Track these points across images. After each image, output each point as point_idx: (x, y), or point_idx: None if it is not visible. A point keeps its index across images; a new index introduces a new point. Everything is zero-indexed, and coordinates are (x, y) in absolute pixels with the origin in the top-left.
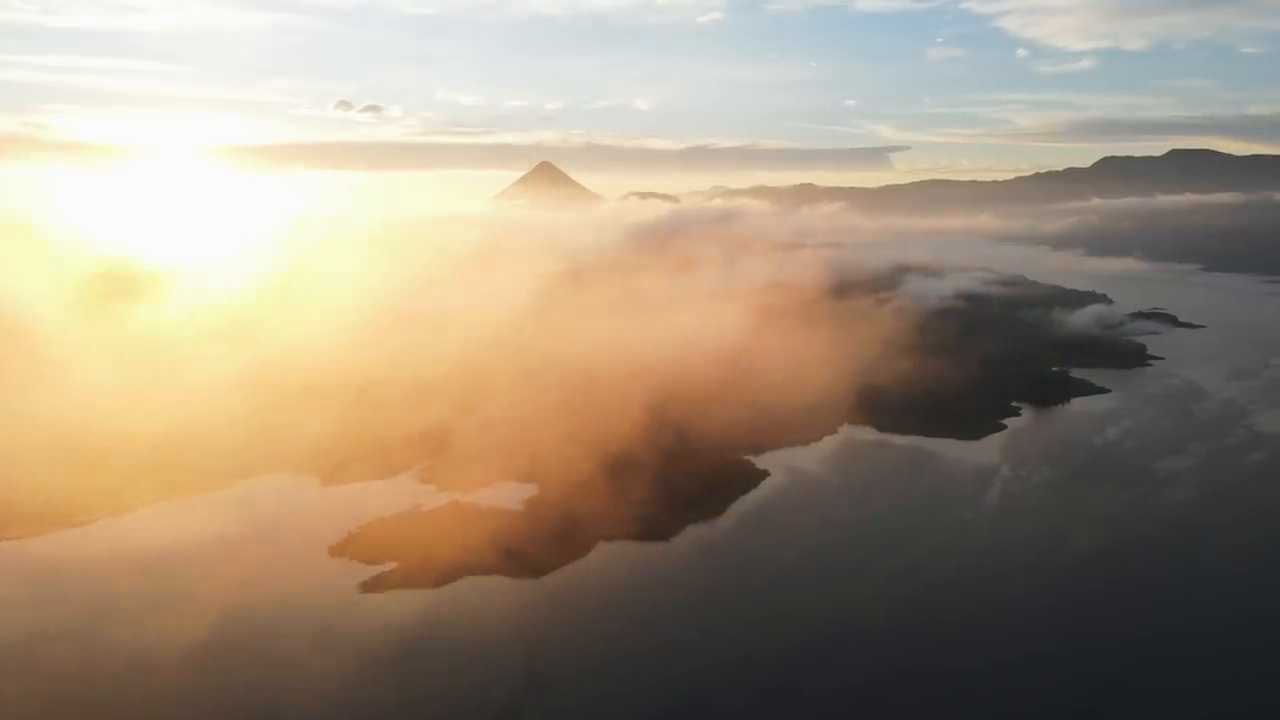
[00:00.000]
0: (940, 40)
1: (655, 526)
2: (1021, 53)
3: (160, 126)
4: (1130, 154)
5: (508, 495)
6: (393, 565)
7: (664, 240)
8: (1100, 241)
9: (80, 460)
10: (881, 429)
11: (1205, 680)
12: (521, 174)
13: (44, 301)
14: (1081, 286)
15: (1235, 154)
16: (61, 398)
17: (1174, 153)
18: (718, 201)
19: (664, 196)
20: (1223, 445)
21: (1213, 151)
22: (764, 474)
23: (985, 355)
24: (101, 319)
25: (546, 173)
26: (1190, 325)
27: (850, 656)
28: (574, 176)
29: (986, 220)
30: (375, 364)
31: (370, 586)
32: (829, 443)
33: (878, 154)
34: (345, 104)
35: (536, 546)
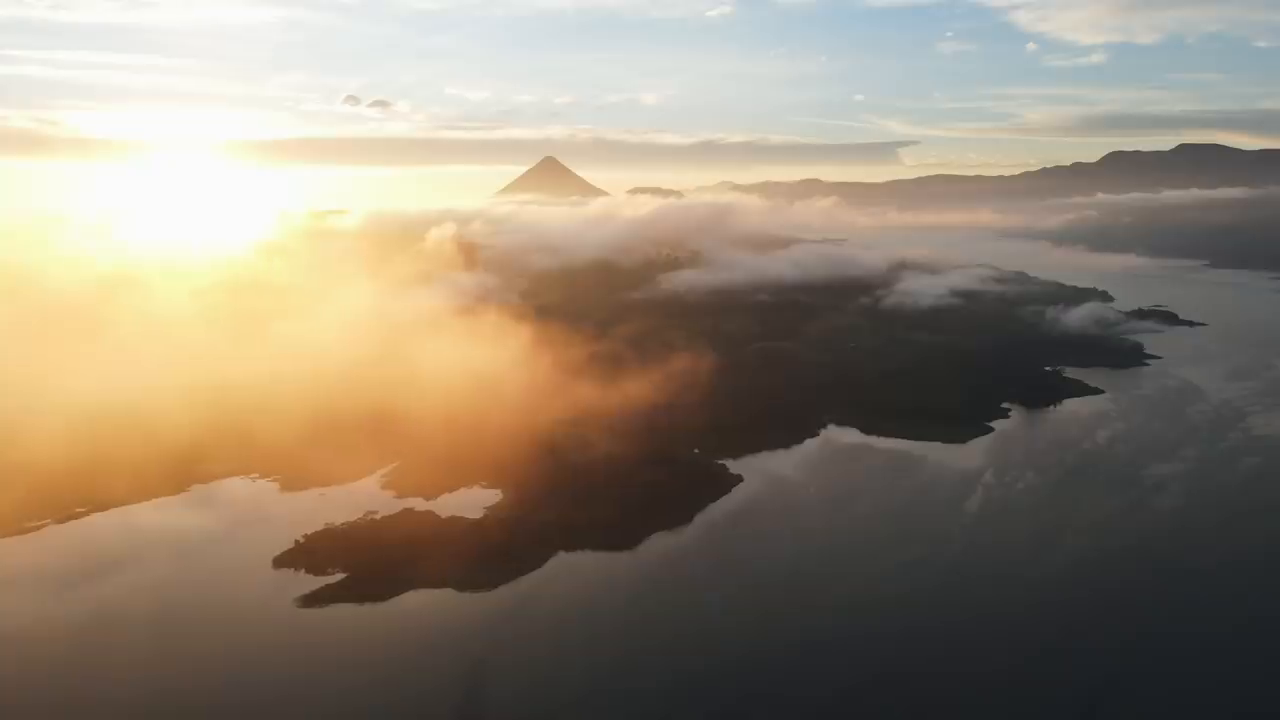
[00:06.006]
0: (950, 34)
1: (618, 535)
2: (1032, 46)
3: (170, 122)
4: (1139, 149)
5: (467, 503)
6: (339, 576)
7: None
8: (1103, 237)
9: (30, 463)
10: (864, 431)
11: (1193, 690)
12: (525, 169)
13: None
14: (1082, 283)
15: (1244, 148)
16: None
17: (1182, 147)
18: (708, 198)
19: (669, 192)
20: (1216, 449)
21: (1221, 146)
22: (737, 479)
23: (976, 354)
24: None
25: (550, 168)
26: (1191, 323)
27: (821, 671)
28: (581, 172)
29: (989, 215)
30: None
31: (312, 600)
32: (809, 446)
33: (886, 149)
34: (354, 99)
35: (492, 557)
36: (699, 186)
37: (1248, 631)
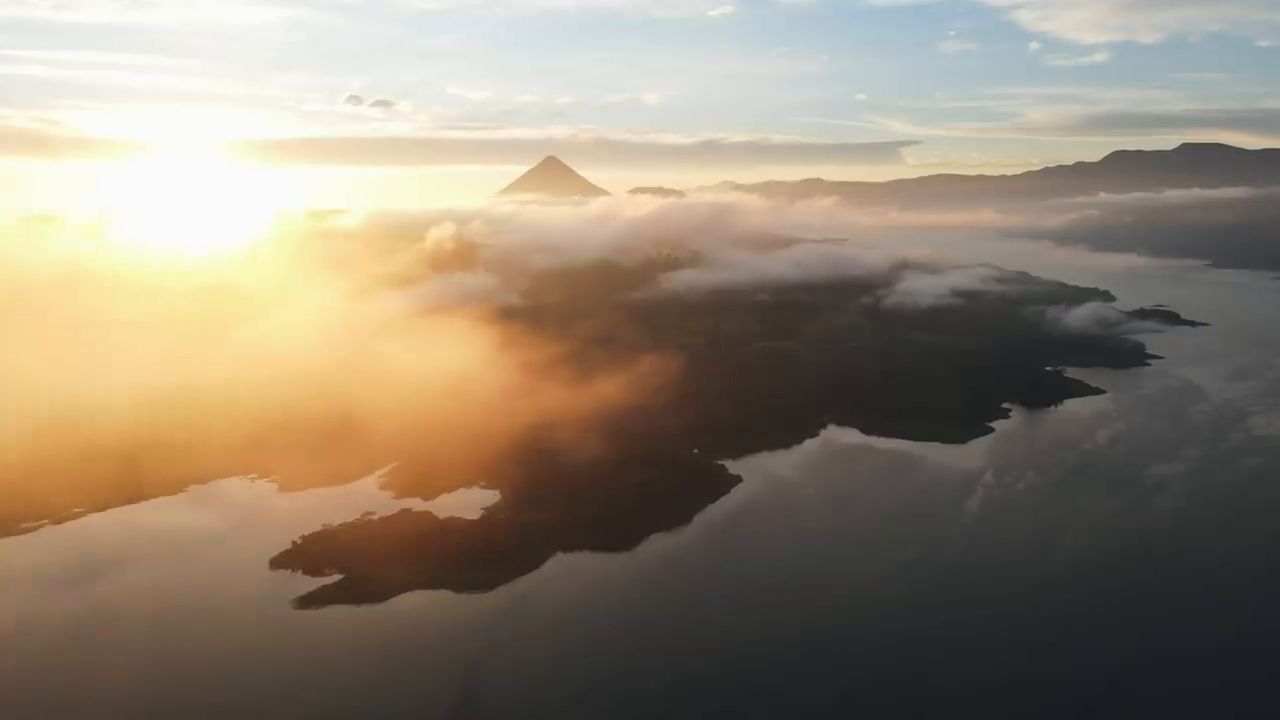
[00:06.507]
0: (953, 33)
1: (616, 536)
2: (1034, 46)
3: (172, 122)
4: (1141, 148)
5: (466, 503)
6: (336, 577)
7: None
8: (1105, 237)
9: (28, 463)
10: (865, 431)
11: (1195, 690)
12: (527, 169)
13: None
14: (1084, 283)
15: (1247, 148)
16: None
17: (1185, 147)
18: (709, 198)
19: (671, 191)
20: (1218, 450)
21: (1224, 146)
22: (736, 480)
23: (976, 354)
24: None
25: (552, 168)
26: (1193, 323)
27: (821, 672)
28: (583, 172)
29: (991, 215)
30: None
31: (309, 601)
32: (809, 446)
33: (888, 148)
34: (356, 99)
35: (489, 558)
36: (701, 186)
37: (1249, 632)
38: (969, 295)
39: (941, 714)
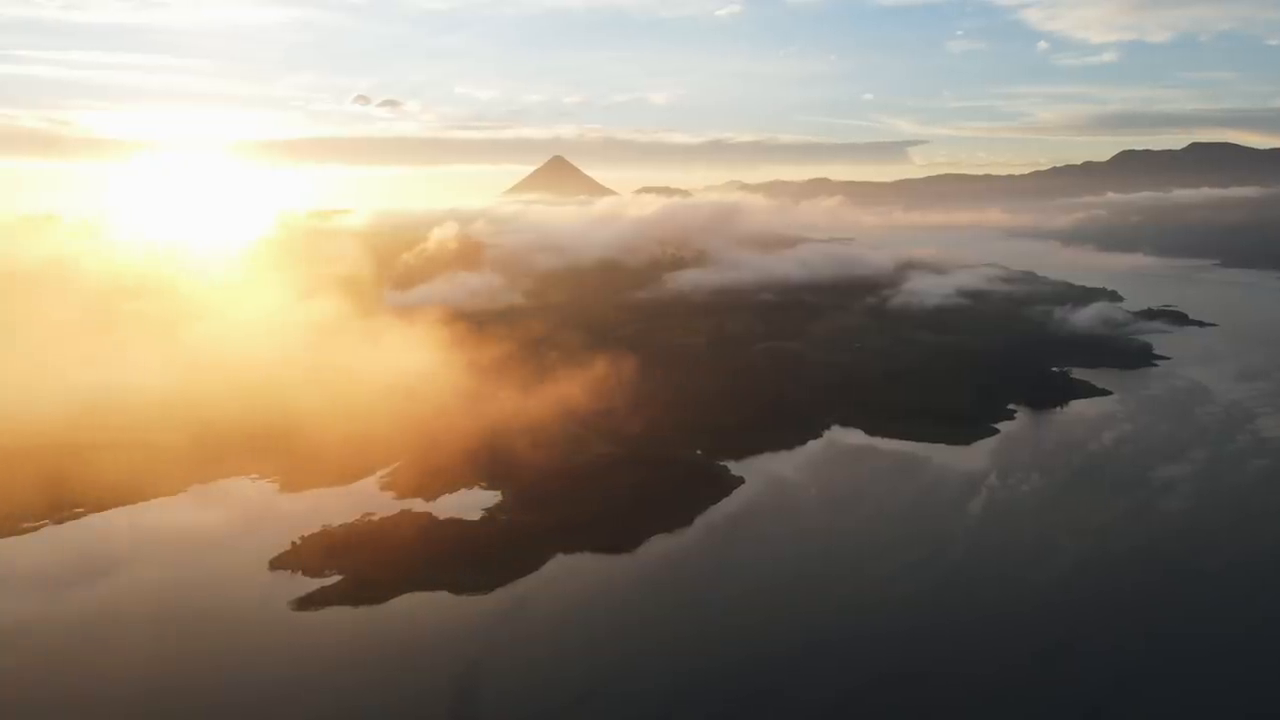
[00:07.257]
0: (960, 33)
1: (617, 537)
2: (1043, 45)
3: (182, 122)
4: (1149, 148)
5: (466, 504)
6: (335, 578)
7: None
8: (1112, 237)
9: (32, 461)
10: (869, 431)
11: (1202, 691)
12: (533, 169)
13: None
14: (1091, 283)
15: (1256, 147)
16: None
17: (1194, 146)
18: (715, 197)
19: (677, 191)
20: (1225, 451)
21: (1233, 145)
22: (738, 481)
23: (982, 355)
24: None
25: (558, 168)
26: (1200, 323)
27: (824, 672)
28: (589, 171)
29: (998, 215)
30: None
31: (307, 602)
32: (812, 447)
33: (895, 148)
34: (364, 99)
35: (489, 558)
36: (707, 186)
37: (1257, 633)
38: (975, 295)
39: (945, 715)
